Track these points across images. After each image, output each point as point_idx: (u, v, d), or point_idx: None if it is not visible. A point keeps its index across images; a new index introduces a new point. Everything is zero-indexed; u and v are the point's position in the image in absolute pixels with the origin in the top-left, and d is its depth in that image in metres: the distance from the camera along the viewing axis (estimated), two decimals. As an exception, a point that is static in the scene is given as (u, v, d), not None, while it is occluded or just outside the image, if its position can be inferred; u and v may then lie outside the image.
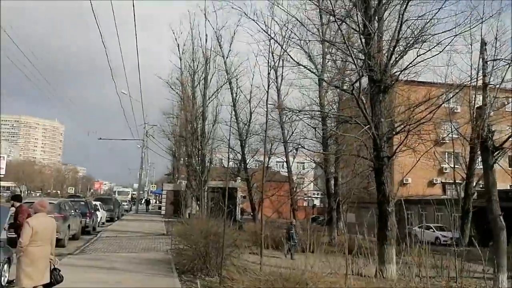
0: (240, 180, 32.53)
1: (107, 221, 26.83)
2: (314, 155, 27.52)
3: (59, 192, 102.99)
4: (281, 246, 17.56)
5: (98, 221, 23.00)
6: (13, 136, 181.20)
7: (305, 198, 54.94)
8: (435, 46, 11.75)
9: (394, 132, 13.18)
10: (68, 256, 12.17)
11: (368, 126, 12.32)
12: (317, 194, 61.96)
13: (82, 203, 20.44)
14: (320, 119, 22.66)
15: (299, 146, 20.49)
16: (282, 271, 4.88)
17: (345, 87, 15.48)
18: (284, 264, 7.23)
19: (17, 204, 8.84)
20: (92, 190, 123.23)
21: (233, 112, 29.37)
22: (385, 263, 11.98)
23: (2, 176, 79.79)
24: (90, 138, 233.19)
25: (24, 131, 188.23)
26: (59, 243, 14.27)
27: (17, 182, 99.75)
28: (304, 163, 40.66)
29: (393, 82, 12.81)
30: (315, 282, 4.77)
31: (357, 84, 12.61)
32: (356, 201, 27.39)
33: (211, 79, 25.31)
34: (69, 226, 15.27)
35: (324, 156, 24.41)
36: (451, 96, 13.76)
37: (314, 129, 22.98)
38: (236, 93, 29.43)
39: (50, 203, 15.15)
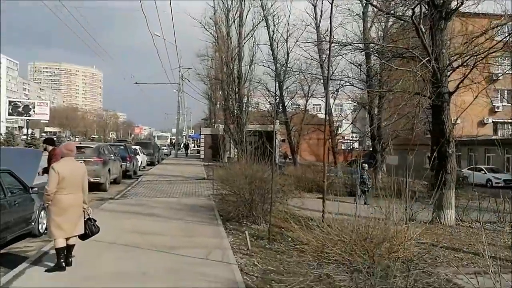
0: (278, 123, 31.69)
1: (147, 165, 27.04)
2: (360, 95, 26.02)
3: (102, 137, 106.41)
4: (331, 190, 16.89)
5: (139, 165, 23.05)
6: (55, 83, 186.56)
7: (344, 141, 53.86)
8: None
9: (457, 65, 11.73)
10: (109, 200, 11.93)
11: (428, 58, 10.94)
12: (355, 137, 60.70)
13: (122, 147, 20.28)
14: (364, 55, 21.12)
15: (348, 83, 18.92)
16: (356, 226, 3.98)
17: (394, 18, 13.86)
18: (341, 210, 6.40)
19: (50, 147, 8.31)
20: (133, 135, 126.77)
21: (271, 52, 28.14)
22: (444, 209, 11.10)
23: (47, 121, 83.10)
24: (127, 84, 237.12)
25: (65, 78, 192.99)
26: (100, 187, 14.28)
27: (62, 127, 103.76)
28: (341, 105, 39.23)
29: (458, 6, 11.12)
30: (404, 242, 3.83)
31: (416, 11, 11.05)
32: (400, 143, 26.13)
33: (246, 16, 23.92)
34: (109, 170, 15.09)
35: (368, 97, 23.03)
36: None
37: (359, 67, 21.47)
38: (273, 31, 27.91)
39: (88, 147, 15.01)
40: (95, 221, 5.81)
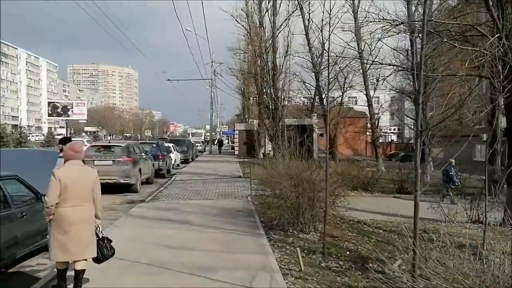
0: (316, 117, 30.30)
1: (181, 162, 26.29)
2: (399, 85, 24.34)
3: (138, 135, 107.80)
4: (371, 186, 15.48)
5: (172, 163, 22.28)
6: (93, 84, 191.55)
7: (382, 134, 51.91)
8: None
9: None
10: (139, 204, 10.99)
11: (498, 35, 9.32)
12: (394, 129, 58.42)
13: (154, 145, 19.50)
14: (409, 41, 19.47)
15: (403, 68, 17.31)
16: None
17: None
18: (404, 211, 5.08)
19: (67, 148, 7.36)
20: (168, 133, 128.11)
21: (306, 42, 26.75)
22: (517, 209, 9.44)
23: (85, 121, 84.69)
24: (162, 83, 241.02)
25: (102, 79, 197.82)
26: (131, 188, 13.46)
27: (100, 127, 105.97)
28: (378, 97, 37.60)
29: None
30: None
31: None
32: (443, 134, 24.29)
33: (280, 4, 22.67)
34: (140, 170, 14.23)
35: (414, 85, 21.32)
36: None
37: (406, 52, 19.80)
38: (308, 20, 26.47)
39: (117, 146, 14.19)
40: (110, 241, 4.63)
